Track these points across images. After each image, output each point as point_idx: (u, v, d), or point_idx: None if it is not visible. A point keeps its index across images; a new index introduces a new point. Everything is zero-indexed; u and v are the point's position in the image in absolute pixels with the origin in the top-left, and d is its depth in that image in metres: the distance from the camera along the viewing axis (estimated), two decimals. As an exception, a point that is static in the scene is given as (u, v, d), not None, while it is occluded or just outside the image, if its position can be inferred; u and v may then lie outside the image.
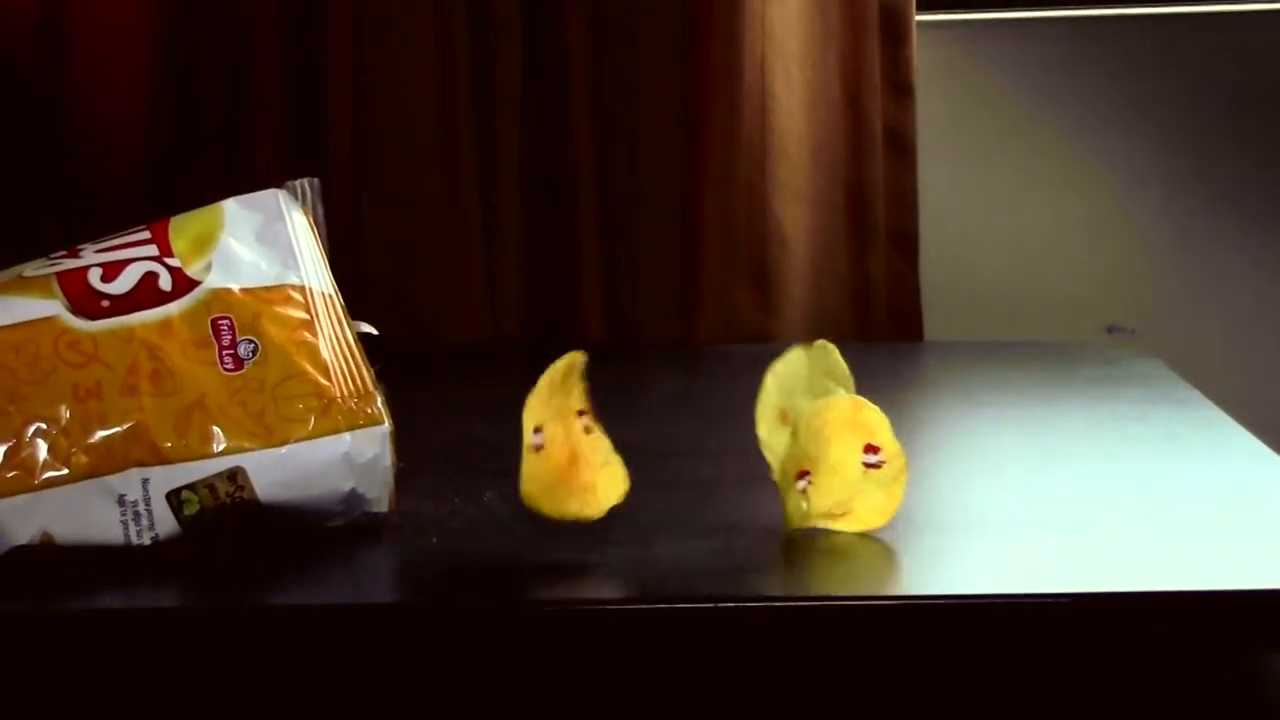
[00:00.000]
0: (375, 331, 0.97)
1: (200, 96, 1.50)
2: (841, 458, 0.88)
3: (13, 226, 1.49)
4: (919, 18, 1.52)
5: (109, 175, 1.50)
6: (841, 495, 0.88)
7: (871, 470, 0.88)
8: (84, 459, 0.84)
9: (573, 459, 0.88)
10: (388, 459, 0.88)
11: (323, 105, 1.48)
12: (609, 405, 0.88)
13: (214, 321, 0.88)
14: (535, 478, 0.88)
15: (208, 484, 0.85)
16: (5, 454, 0.84)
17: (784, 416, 0.91)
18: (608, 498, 0.89)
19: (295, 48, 1.49)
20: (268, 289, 0.89)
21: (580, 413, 0.88)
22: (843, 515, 0.89)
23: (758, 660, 0.81)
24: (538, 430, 0.87)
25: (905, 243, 1.52)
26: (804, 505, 0.88)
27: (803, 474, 0.88)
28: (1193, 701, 0.81)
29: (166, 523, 0.85)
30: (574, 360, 0.88)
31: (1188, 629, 0.80)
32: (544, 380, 0.88)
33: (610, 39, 1.48)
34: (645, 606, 0.80)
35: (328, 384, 0.87)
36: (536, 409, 0.88)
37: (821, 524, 0.89)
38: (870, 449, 0.88)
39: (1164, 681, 0.81)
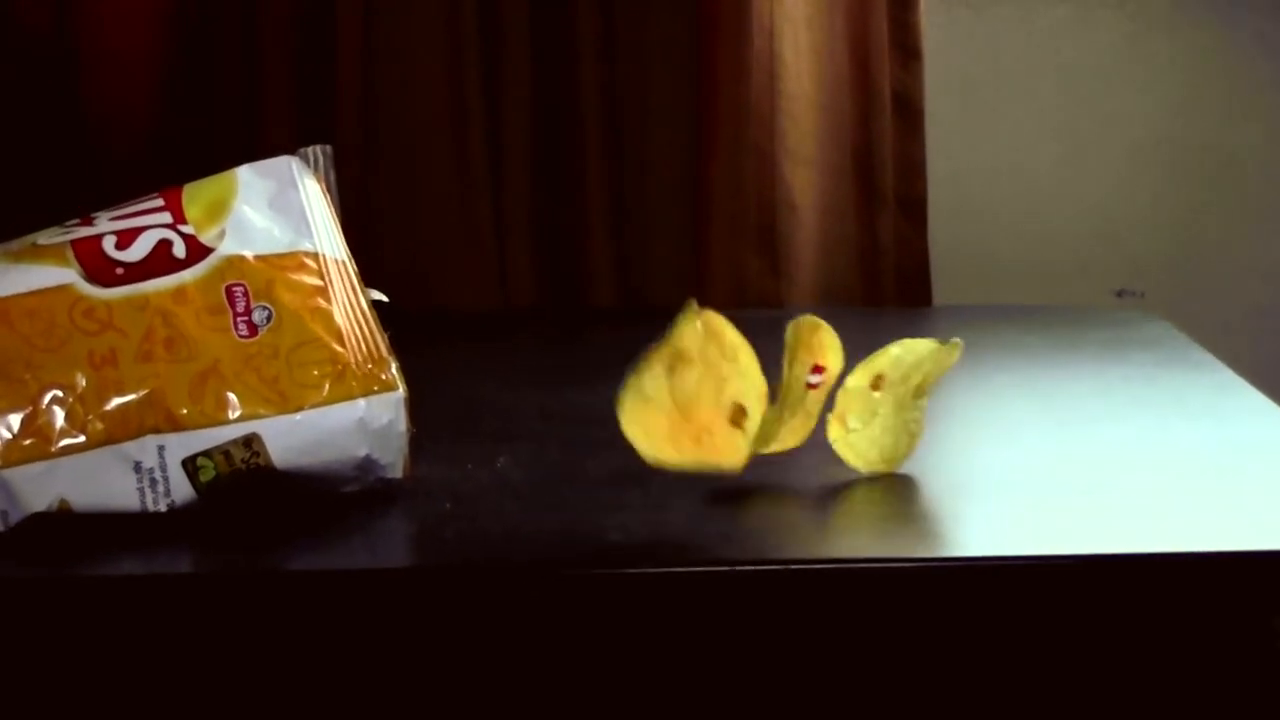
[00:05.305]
0: (385, 299, 0.97)
1: (210, 70, 1.50)
2: (796, 376, 0.88)
3: (25, 195, 1.49)
4: (927, -18, 1.52)
5: (119, 146, 1.50)
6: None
7: (811, 391, 0.88)
8: (100, 426, 0.85)
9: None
10: (402, 425, 0.88)
11: (332, 77, 1.48)
12: (621, 372, 0.88)
13: (228, 288, 0.88)
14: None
15: (223, 450, 0.85)
16: (22, 421, 0.84)
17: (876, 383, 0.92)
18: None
19: (305, 20, 1.49)
20: (281, 256, 0.89)
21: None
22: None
23: (770, 624, 0.81)
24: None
25: (914, 207, 1.52)
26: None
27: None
28: (1205, 664, 0.81)
29: (182, 489, 0.85)
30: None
31: (1199, 591, 0.80)
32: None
33: (618, 5, 1.48)
34: (660, 570, 0.81)
35: (342, 350, 0.87)
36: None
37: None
38: (816, 369, 0.88)
39: (1175, 644, 0.81)
